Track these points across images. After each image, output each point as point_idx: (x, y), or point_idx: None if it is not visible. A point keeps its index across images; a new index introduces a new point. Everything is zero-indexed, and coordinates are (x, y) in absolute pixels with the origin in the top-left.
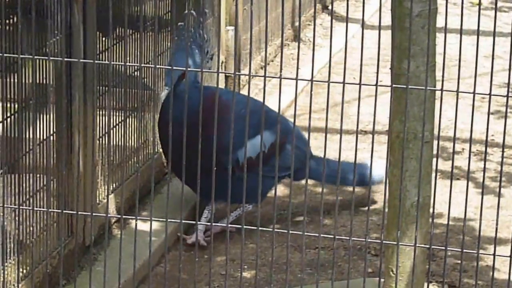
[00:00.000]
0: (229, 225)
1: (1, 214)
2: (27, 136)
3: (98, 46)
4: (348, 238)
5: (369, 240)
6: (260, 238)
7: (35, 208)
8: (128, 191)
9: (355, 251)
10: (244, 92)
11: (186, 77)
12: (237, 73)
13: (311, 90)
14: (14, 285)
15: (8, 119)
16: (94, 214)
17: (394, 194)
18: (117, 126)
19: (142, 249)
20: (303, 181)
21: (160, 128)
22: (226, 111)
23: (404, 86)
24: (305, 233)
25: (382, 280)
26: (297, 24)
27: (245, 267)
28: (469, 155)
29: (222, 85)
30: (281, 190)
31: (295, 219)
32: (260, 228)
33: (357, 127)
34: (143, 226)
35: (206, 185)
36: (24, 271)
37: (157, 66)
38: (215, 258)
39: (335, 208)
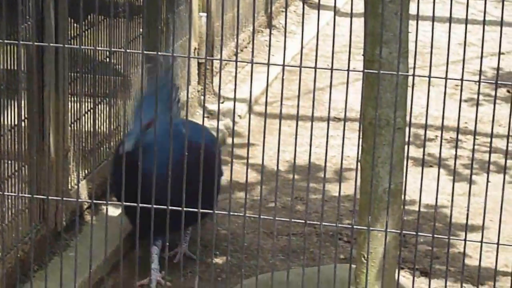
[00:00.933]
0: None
1: None
2: None
3: (69, 31)
4: (319, 223)
5: (339, 225)
6: (232, 224)
7: (5, 193)
8: (100, 177)
9: (327, 237)
10: (216, 79)
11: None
12: (208, 57)
13: (283, 76)
14: None
15: None
16: (65, 199)
17: (366, 180)
18: (88, 112)
19: (114, 235)
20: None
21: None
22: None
23: (376, 71)
24: (276, 219)
25: (354, 266)
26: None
27: (217, 253)
28: (441, 142)
29: (194, 71)
30: (253, 176)
31: (267, 205)
32: (231, 213)
33: (329, 113)
34: (115, 211)
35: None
36: None
37: (128, 51)
38: (187, 245)
39: (306, 194)
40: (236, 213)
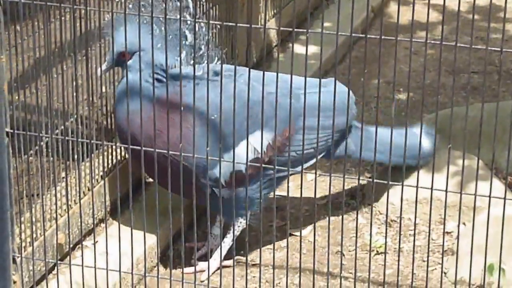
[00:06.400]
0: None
1: None
2: None
3: None
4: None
5: None
6: (414, 63)
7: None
8: (287, 16)
9: (508, 75)
10: None
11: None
12: None
13: None
14: None
15: None
16: (253, 25)
17: None
18: None
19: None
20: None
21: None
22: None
23: None
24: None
25: None
26: None
27: (401, 89)
28: None
29: None
30: (434, 16)
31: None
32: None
33: None
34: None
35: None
36: None
37: None
38: (369, 81)
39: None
40: (403, 39)
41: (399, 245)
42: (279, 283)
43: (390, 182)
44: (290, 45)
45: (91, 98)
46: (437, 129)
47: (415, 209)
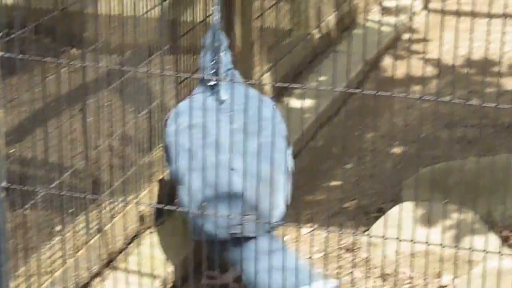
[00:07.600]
0: None
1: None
2: (186, 18)
3: None
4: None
5: None
6: (409, 116)
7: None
8: (283, 70)
9: (503, 128)
10: None
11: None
12: None
13: None
14: None
15: (167, 2)
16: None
17: None
18: (271, 8)
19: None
20: None
21: None
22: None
23: None
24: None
25: None
26: None
27: (396, 143)
28: None
29: None
30: (429, 70)
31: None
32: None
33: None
34: (297, 103)
35: None
36: None
37: None
38: (364, 135)
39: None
40: (399, 94)
41: None
42: None
43: (386, 237)
44: (285, 99)
45: (86, 152)
46: (432, 183)
47: (410, 262)
